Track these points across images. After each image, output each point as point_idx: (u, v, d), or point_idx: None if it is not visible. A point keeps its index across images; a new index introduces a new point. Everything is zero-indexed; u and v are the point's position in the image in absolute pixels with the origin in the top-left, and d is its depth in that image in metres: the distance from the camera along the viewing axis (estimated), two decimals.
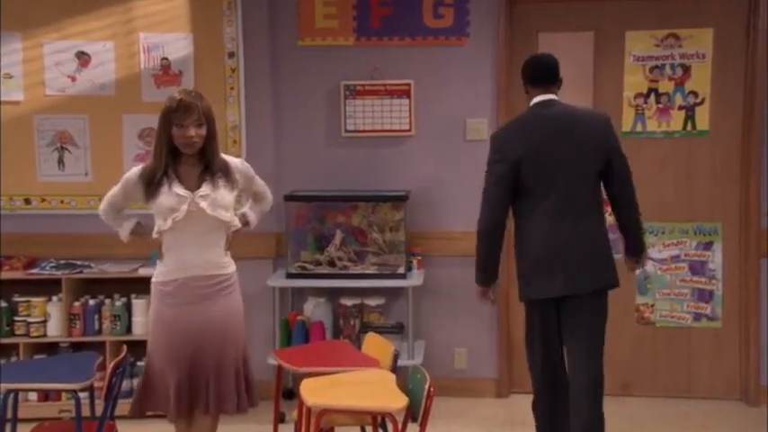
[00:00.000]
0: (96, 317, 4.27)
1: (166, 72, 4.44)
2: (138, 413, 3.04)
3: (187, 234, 2.94)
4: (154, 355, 3.02)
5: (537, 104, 3.30)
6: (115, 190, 3.08)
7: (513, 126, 3.36)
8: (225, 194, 2.98)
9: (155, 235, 2.98)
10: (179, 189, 2.91)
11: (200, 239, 2.96)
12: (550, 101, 3.29)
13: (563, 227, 3.22)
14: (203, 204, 2.91)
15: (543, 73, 3.31)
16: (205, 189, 2.94)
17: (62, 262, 4.32)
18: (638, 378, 4.54)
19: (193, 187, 2.94)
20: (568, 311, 3.28)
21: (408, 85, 4.44)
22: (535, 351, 3.39)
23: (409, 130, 4.48)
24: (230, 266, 3.09)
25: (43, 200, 4.48)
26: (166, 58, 4.43)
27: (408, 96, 4.45)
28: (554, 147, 3.20)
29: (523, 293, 3.35)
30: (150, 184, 2.93)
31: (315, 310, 4.35)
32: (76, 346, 4.27)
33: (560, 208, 3.21)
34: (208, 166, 2.98)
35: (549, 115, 3.26)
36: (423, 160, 4.47)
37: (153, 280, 3.05)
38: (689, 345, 4.50)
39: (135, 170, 3.01)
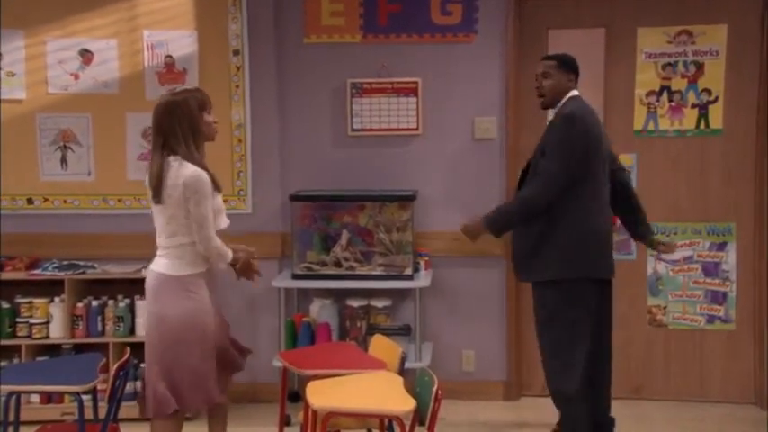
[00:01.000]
0: (99, 318, 4.29)
1: (170, 70, 4.45)
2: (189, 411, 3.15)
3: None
4: (198, 347, 3.06)
5: (581, 97, 3.59)
6: (209, 205, 3.05)
7: (588, 110, 3.56)
8: None
9: (221, 227, 3.14)
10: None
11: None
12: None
13: (610, 214, 3.61)
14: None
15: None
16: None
17: (65, 262, 4.34)
18: (650, 381, 4.54)
19: None
20: (606, 297, 3.60)
21: (416, 83, 4.45)
22: (580, 344, 3.49)
23: (417, 129, 4.48)
24: None
25: (46, 200, 4.50)
26: (170, 56, 4.45)
27: (416, 95, 4.46)
28: (605, 138, 3.57)
29: (591, 270, 3.49)
30: (213, 178, 3.10)
31: (321, 311, 4.36)
32: (79, 348, 4.28)
33: (607, 196, 3.56)
34: None
35: (594, 109, 3.62)
36: (430, 159, 4.48)
37: (189, 273, 3.08)
38: (702, 347, 4.49)
39: (199, 172, 3.03)
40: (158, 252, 3.17)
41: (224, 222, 3.19)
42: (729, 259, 4.45)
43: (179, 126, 3.08)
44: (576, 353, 3.48)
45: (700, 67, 4.39)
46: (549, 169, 3.42)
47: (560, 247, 3.45)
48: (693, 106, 4.42)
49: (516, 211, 3.50)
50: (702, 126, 4.42)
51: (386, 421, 3.02)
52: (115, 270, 4.34)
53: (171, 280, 3.07)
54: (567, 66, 3.60)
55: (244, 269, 3.25)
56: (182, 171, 3.03)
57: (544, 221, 3.46)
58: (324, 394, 2.80)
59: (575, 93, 3.59)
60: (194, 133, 3.11)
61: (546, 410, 4.01)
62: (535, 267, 3.52)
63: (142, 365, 4.28)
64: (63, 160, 4.49)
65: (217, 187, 3.12)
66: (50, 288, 4.27)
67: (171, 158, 3.07)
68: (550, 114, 3.67)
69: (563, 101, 3.58)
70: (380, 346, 3.39)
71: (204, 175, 3.05)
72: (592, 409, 3.59)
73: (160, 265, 3.13)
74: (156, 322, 3.07)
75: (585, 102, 3.61)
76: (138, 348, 4.00)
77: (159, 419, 3.08)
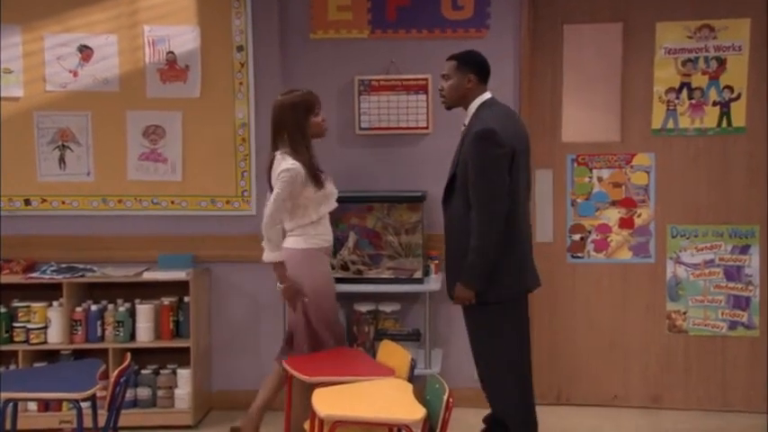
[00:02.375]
0: (99, 323, 4.29)
1: (172, 67, 4.46)
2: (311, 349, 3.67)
3: (327, 215, 3.79)
4: (327, 303, 3.72)
5: (495, 100, 3.51)
6: (283, 194, 3.56)
7: (503, 118, 3.44)
8: None
9: (315, 218, 3.69)
10: (323, 176, 3.71)
11: (328, 218, 3.81)
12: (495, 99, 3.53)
13: (529, 224, 3.58)
14: (335, 189, 3.82)
15: (489, 71, 3.55)
16: (326, 175, 3.75)
17: (63, 266, 4.36)
18: (669, 390, 4.52)
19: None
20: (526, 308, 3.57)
21: (426, 80, 4.45)
22: (522, 355, 3.48)
23: (427, 128, 4.48)
24: None
25: (44, 200, 4.52)
26: (172, 52, 4.46)
27: (426, 92, 4.46)
28: (527, 146, 3.50)
29: (516, 286, 3.44)
30: (315, 175, 3.64)
31: None
32: (78, 354, 4.28)
33: (526, 207, 3.54)
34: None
35: (515, 114, 3.61)
36: (441, 159, 4.44)
37: (315, 246, 3.70)
38: (724, 354, 4.47)
39: (296, 166, 3.58)
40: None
41: (328, 207, 3.76)
42: (753, 263, 4.43)
43: (284, 126, 3.66)
44: None
45: (722, 62, 4.38)
46: (484, 203, 3.30)
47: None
48: (715, 104, 4.40)
49: (479, 260, 3.33)
50: (724, 124, 4.40)
51: (395, 430, 3.02)
52: (115, 273, 4.34)
53: (296, 253, 3.66)
54: (467, 65, 3.47)
55: (290, 293, 3.64)
56: (281, 164, 3.61)
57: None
58: (331, 402, 2.80)
59: (486, 97, 3.48)
60: (299, 132, 3.65)
61: (561, 419, 4.00)
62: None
63: (143, 372, 4.33)
64: (61, 160, 4.51)
65: (317, 183, 3.64)
66: (48, 292, 4.28)
67: (277, 153, 3.68)
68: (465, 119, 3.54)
69: (474, 105, 3.47)
70: (389, 352, 3.39)
71: (295, 167, 3.57)
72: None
73: (288, 242, 3.70)
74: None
75: (500, 107, 3.49)
76: (138, 354, 4.02)
77: None
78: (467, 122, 3.51)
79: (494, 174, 3.30)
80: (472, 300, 3.38)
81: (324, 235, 3.77)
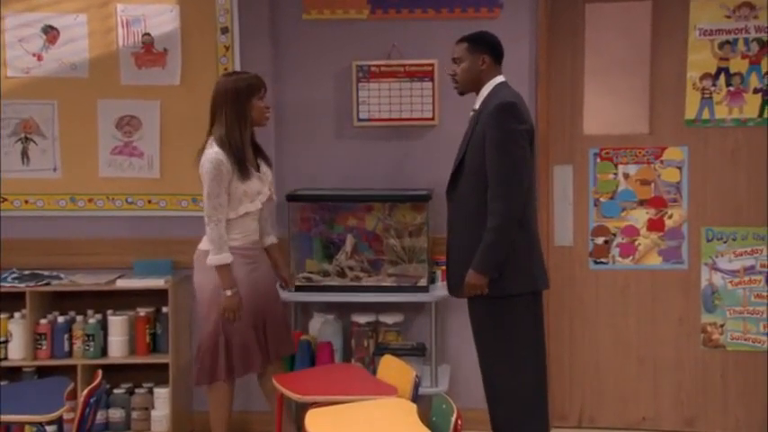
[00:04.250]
0: (66, 337, 4.28)
1: (149, 50, 4.46)
2: (215, 379, 3.70)
3: (249, 214, 3.75)
4: (216, 316, 3.68)
5: (508, 84, 3.60)
6: (215, 190, 3.61)
7: (518, 98, 3.54)
8: (270, 174, 3.87)
9: (232, 216, 3.68)
10: (254, 170, 3.73)
11: (255, 216, 3.79)
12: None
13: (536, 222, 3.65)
14: (269, 190, 3.80)
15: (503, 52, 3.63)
16: (265, 169, 3.81)
17: (26, 272, 4.34)
18: (704, 412, 4.51)
19: (256, 167, 3.75)
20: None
21: (431, 65, 4.44)
22: (537, 357, 3.51)
23: (432, 119, 4.48)
24: None
25: (4, 200, 4.51)
26: (149, 34, 4.45)
27: (431, 79, 4.45)
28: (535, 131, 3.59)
29: (531, 279, 3.49)
30: (242, 164, 3.65)
31: (322, 328, 4.35)
32: (43, 371, 4.27)
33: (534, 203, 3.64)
34: (256, 144, 3.81)
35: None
36: (448, 154, 4.41)
37: (205, 248, 3.70)
38: (766, 372, 4.46)
39: (219, 155, 3.60)
40: None
41: (248, 207, 3.71)
42: None
43: (222, 109, 3.68)
44: None
45: (764, 45, 4.37)
46: (504, 178, 3.37)
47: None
48: (756, 91, 4.40)
49: (498, 241, 3.39)
50: (766, 114, 4.40)
51: None
52: (85, 281, 4.33)
53: (200, 254, 3.73)
54: (480, 46, 3.56)
55: (234, 302, 3.66)
56: (206, 153, 3.65)
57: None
58: (326, 424, 2.80)
59: (500, 80, 3.57)
60: (237, 116, 3.67)
61: None
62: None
63: (115, 391, 4.32)
64: (24, 154, 4.50)
65: (242, 174, 3.64)
66: (9, 302, 4.26)
67: (210, 140, 3.69)
68: (476, 104, 3.61)
69: (487, 88, 3.55)
70: (391, 368, 3.40)
71: (217, 157, 3.59)
72: None
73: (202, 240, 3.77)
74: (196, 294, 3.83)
75: (513, 90, 3.58)
76: (110, 371, 4.00)
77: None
78: (477, 106, 3.56)
79: (515, 147, 3.38)
80: (485, 289, 3.40)
81: (234, 234, 3.71)
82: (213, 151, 3.62)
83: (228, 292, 3.63)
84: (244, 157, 3.67)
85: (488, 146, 3.40)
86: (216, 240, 3.63)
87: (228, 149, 3.62)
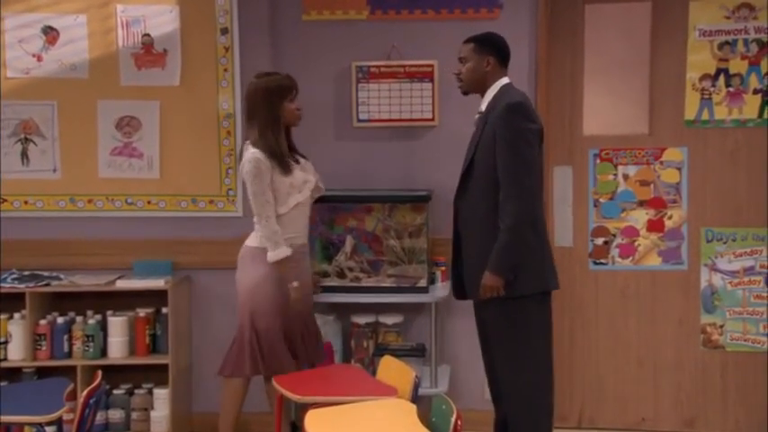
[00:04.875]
0: (66, 337, 4.28)
1: (148, 51, 4.46)
2: (237, 373, 3.78)
3: (305, 203, 3.87)
4: (262, 315, 3.75)
5: (513, 86, 3.60)
6: (259, 188, 3.71)
7: (526, 98, 3.55)
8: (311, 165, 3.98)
9: (283, 210, 3.76)
10: (294, 163, 3.81)
11: (308, 208, 3.93)
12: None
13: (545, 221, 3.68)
14: (314, 178, 3.93)
15: (509, 54, 3.65)
16: (303, 162, 3.89)
17: (26, 273, 4.34)
18: (704, 413, 4.51)
19: (295, 161, 3.84)
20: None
21: (431, 66, 4.44)
22: (547, 356, 3.53)
23: (432, 120, 4.48)
24: None
25: (4, 200, 4.51)
26: (148, 35, 4.45)
27: (431, 80, 4.45)
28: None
29: (543, 284, 3.48)
30: (282, 160, 3.74)
31: (322, 328, 4.34)
32: (42, 372, 4.27)
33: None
34: (291, 144, 3.89)
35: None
36: (448, 154, 4.45)
37: (256, 245, 3.78)
38: (766, 373, 4.46)
39: (257, 155, 3.70)
40: None
41: (297, 198, 3.82)
42: None
43: (255, 111, 3.79)
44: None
45: (763, 46, 4.37)
46: (517, 179, 3.37)
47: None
48: (756, 92, 4.40)
49: (513, 242, 3.38)
50: (766, 115, 4.40)
51: None
52: (85, 282, 4.33)
53: (245, 250, 3.84)
54: (486, 47, 3.58)
55: (297, 298, 3.78)
56: (245, 155, 3.77)
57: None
58: (325, 425, 2.80)
59: (505, 81, 3.59)
60: (270, 119, 3.76)
61: None
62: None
63: (115, 392, 4.32)
64: (24, 155, 4.50)
65: (283, 168, 3.74)
66: (9, 303, 4.26)
67: (246, 143, 3.82)
68: (482, 106, 3.62)
69: (493, 90, 3.56)
70: (390, 369, 3.39)
71: (255, 156, 3.69)
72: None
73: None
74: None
75: (520, 91, 3.59)
76: (110, 372, 4.00)
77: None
78: (483, 108, 3.56)
79: (526, 147, 3.38)
80: (501, 290, 3.39)
81: (285, 234, 3.78)
82: (251, 152, 3.72)
83: (295, 284, 3.74)
84: (281, 152, 3.75)
85: (499, 146, 3.39)
86: (270, 236, 3.72)
87: (266, 148, 3.72)
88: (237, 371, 3.77)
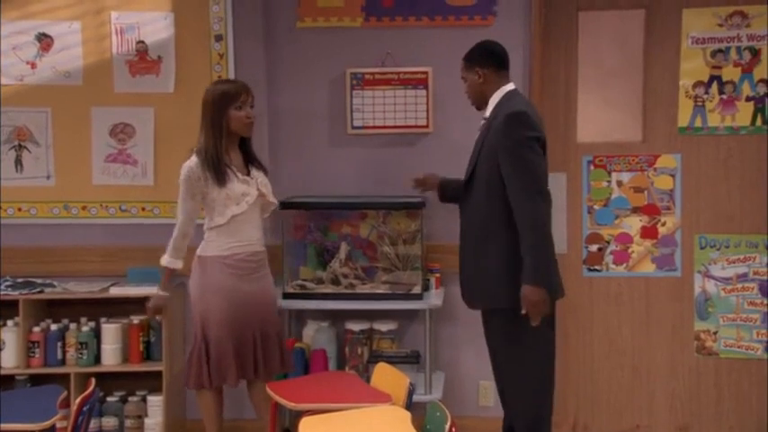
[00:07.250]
0: (59, 345, 4.27)
1: (143, 58, 4.46)
2: (200, 385, 3.68)
3: (246, 215, 3.72)
4: (211, 325, 3.68)
5: (518, 92, 3.57)
6: (182, 195, 3.68)
7: (529, 106, 3.52)
8: (265, 179, 3.84)
9: (221, 221, 3.69)
10: (240, 174, 3.70)
11: (255, 219, 3.79)
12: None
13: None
14: (264, 190, 3.77)
15: (503, 58, 3.60)
16: (256, 174, 3.78)
17: (19, 280, 4.34)
18: (698, 419, 4.51)
19: (244, 172, 3.74)
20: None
21: (426, 73, 4.45)
22: (552, 362, 3.52)
23: (426, 126, 4.48)
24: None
25: None
26: (143, 42, 4.45)
27: (426, 87, 4.46)
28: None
29: (555, 292, 3.40)
30: (218, 170, 3.64)
31: (316, 335, 4.35)
32: (36, 380, 4.27)
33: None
34: (248, 151, 3.81)
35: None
36: (443, 161, 4.46)
37: (209, 254, 3.72)
38: (759, 379, 4.47)
39: (191, 163, 3.65)
40: None
41: (234, 210, 3.69)
42: None
43: (202, 119, 3.72)
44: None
45: (756, 53, 4.39)
46: (529, 190, 3.31)
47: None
48: (748, 99, 4.41)
49: (544, 253, 3.31)
50: (759, 122, 4.41)
51: None
52: (78, 289, 4.32)
53: (195, 259, 3.77)
54: (473, 61, 3.57)
55: (151, 304, 3.84)
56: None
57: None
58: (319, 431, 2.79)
59: (509, 88, 3.54)
60: (213, 127, 3.68)
61: None
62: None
63: (108, 399, 4.31)
64: (18, 162, 4.49)
65: (218, 180, 3.63)
66: (2, 310, 4.25)
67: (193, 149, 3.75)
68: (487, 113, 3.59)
69: (496, 97, 3.54)
70: (385, 376, 3.39)
71: (189, 165, 3.64)
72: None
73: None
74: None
75: (524, 98, 3.60)
76: (103, 379, 3.99)
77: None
78: (487, 115, 3.54)
79: (529, 154, 3.32)
80: (546, 304, 3.30)
81: (229, 243, 3.72)
82: (188, 160, 3.69)
83: (160, 292, 3.82)
84: (219, 163, 3.64)
85: (501, 156, 3.35)
86: (174, 242, 3.76)
87: (204, 158, 3.65)
88: (197, 383, 3.69)
